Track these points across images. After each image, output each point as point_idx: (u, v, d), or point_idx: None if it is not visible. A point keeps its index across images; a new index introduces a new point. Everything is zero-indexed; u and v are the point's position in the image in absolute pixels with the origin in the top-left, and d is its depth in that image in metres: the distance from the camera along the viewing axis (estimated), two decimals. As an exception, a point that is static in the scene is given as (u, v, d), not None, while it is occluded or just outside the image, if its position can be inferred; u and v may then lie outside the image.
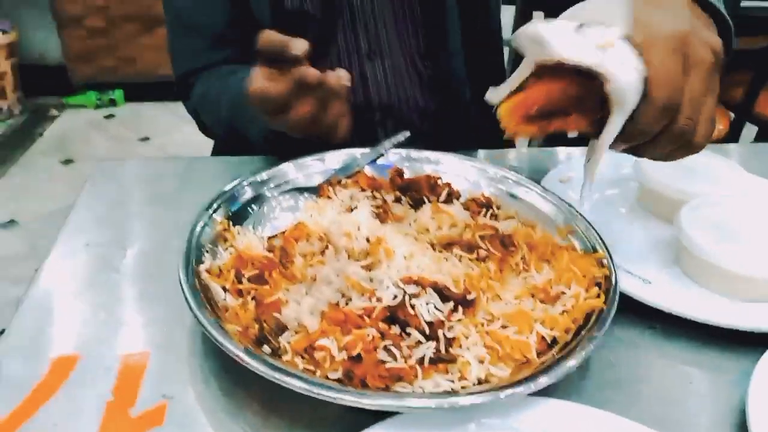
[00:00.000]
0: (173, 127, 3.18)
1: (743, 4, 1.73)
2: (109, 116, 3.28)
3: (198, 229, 0.64)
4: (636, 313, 0.63)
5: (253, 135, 0.87)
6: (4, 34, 3.07)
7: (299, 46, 0.67)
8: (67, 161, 2.88)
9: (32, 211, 2.51)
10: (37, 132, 3.12)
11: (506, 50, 1.21)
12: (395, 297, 0.55)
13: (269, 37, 0.68)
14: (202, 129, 1.06)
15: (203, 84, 0.97)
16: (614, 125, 0.53)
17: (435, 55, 0.97)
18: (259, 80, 0.70)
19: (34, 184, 2.70)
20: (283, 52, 0.67)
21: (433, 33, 0.96)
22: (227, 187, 0.71)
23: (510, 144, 1.13)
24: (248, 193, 0.72)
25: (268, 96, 0.70)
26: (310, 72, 0.67)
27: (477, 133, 1.04)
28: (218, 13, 0.95)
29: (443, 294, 0.56)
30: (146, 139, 3.09)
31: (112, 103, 3.33)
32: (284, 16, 0.92)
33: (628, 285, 0.64)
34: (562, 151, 0.96)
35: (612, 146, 0.56)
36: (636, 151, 0.58)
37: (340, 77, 0.69)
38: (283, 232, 0.67)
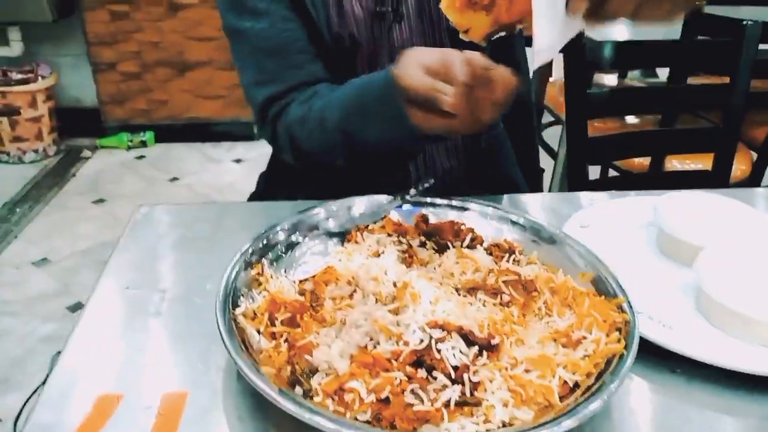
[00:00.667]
0: (201, 168, 3.26)
1: (762, 46, 1.76)
2: (140, 157, 3.37)
3: (233, 273, 0.67)
4: (657, 357, 0.65)
5: (375, 135, 0.87)
6: (43, 79, 3.20)
7: (449, 100, 0.68)
8: (99, 201, 2.97)
9: (64, 249, 2.58)
10: (70, 172, 3.21)
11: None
12: (422, 341, 0.57)
13: (415, 83, 0.70)
14: (295, 153, 0.98)
15: (301, 108, 0.94)
16: None
17: None
18: (437, 121, 0.72)
19: (66, 223, 2.78)
20: (433, 102, 0.69)
21: None
22: (260, 233, 0.74)
23: (533, 189, 1.15)
24: (280, 238, 0.76)
25: (454, 130, 0.73)
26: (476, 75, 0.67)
27: (505, 172, 1.06)
28: (295, 31, 0.96)
29: (468, 339, 0.58)
30: (175, 179, 3.17)
31: (143, 144, 3.43)
32: (337, 39, 0.96)
33: (649, 330, 0.66)
34: (583, 197, 0.99)
35: (573, 12, 0.50)
36: (600, 13, 0.51)
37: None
38: (314, 276, 0.70)
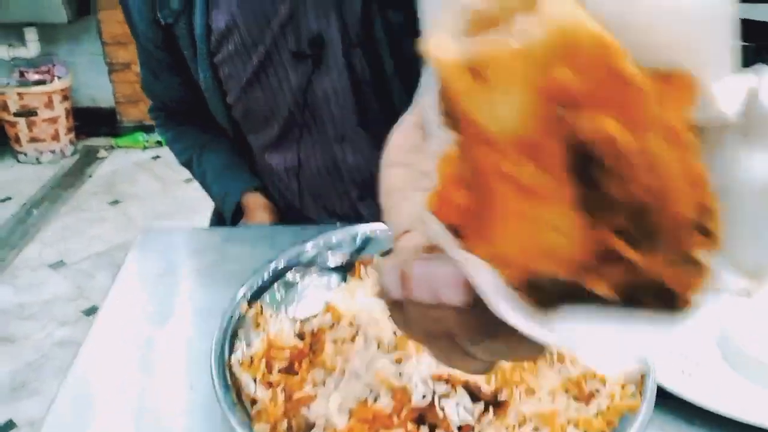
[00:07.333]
0: (216, 168, 3.26)
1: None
2: (156, 157, 3.38)
3: (231, 317, 0.65)
4: (675, 403, 0.61)
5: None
6: (59, 80, 3.21)
7: None
8: (114, 202, 2.98)
9: (80, 251, 2.59)
10: (86, 173, 3.23)
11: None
12: (424, 396, 0.54)
13: None
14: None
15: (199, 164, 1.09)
16: None
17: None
18: None
19: (82, 224, 2.79)
20: None
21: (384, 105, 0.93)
22: (259, 270, 0.72)
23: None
24: (280, 273, 0.73)
25: None
26: None
27: None
28: (174, 91, 1.04)
29: (474, 394, 0.55)
30: (190, 180, 3.16)
31: (159, 144, 3.43)
32: (248, 115, 0.96)
33: (667, 377, 0.62)
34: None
35: None
36: None
37: None
38: (315, 316, 0.67)
